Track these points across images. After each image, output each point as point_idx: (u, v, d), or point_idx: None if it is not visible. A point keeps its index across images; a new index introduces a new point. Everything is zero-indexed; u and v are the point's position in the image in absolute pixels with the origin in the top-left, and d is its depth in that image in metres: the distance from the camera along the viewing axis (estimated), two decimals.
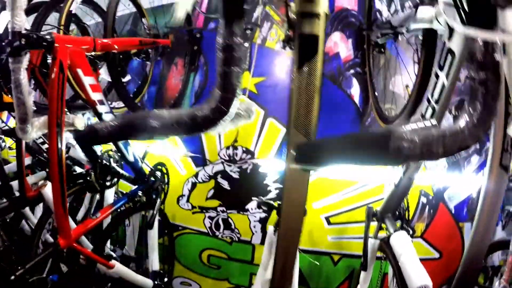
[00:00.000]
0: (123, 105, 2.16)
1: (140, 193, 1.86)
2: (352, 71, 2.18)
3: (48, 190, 1.80)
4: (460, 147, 0.76)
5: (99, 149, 1.94)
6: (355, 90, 2.18)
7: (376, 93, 1.91)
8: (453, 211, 2.24)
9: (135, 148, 1.83)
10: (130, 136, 0.96)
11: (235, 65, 0.74)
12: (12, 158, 2.76)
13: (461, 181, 2.19)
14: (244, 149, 2.22)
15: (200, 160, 2.32)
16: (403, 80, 1.93)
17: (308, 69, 0.85)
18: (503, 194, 1.20)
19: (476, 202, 1.36)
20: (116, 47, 1.67)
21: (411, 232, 1.61)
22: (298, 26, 0.85)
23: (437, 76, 1.26)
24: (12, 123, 2.33)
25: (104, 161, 1.85)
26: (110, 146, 1.87)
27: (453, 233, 2.26)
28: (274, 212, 1.62)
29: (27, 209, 2.01)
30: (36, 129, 1.61)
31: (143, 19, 2.27)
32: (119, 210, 1.77)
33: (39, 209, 2.10)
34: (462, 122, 0.74)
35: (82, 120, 1.62)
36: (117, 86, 1.88)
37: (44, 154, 2.30)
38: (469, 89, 0.77)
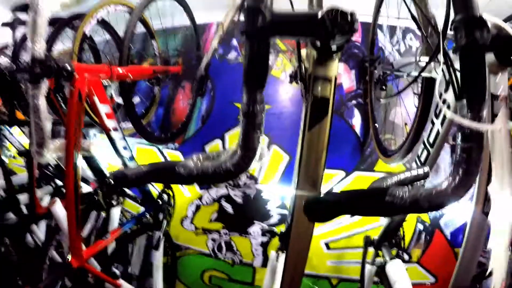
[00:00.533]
0: (130, 125, 2.24)
1: (147, 215, 1.93)
2: (354, 101, 2.26)
3: (57, 208, 1.85)
4: (443, 205, 0.87)
5: (106, 168, 2.01)
6: (357, 120, 2.26)
7: (376, 125, 1.99)
8: (449, 237, 2.30)
9: None
10: (158, 181, 1.03)
11: (256, 130, 0.82)
12: (16, 167, 2.83)
13: (457, 208, 2.27)
14: (248, 174, 2.28)
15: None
16: (402, 111, 2.02)
17: (318, 129, 0.93)
18: (485, 234, 1.29)
19: None
20: (131, 76, 1.74)
21: (406, 258, 1.70)
22: (310, 88, 0.93)
23: (433, 123, 1.35)
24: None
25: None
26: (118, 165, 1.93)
27: (449, 258, 2.32)
28: (276, 238, 1.69)
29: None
30: (51, 152, 1.67)
31: (152, 41, 2.34)
32: (127, 231, 1.84)
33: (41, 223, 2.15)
34: (446, 183, 0.82)
35: (96, 147, 1.69)
36: (128, 108, 1.94)
37: (50, 168, 2.35)
38: (456, 152, 0.87)
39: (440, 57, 0.86)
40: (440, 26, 0.93)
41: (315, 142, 0.94)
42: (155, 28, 2.34)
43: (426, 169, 1.21)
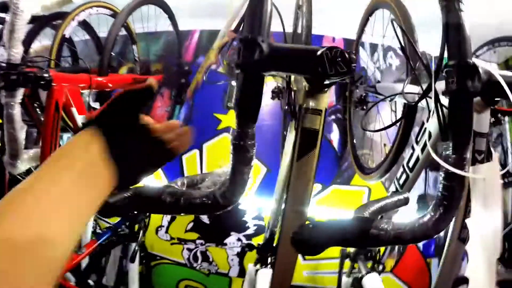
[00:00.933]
0: None
1: (123, 225, 1.89)
2: (333, 116, 2.30)
3: None
4: (425, 238, 0.93)
5: None
6: (335, 135, 2.30)
7: (354, 141, 2.03)
8: (421, 248, 2.40)
9: None
10: (142, 211, 1.00)
11: (246, 164, 0.81)
12: None
13: None
14: None
15: None
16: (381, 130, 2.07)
17: (306, 160, 0.94)
18: (460, 260, 1.36)
19: (443, 239, 1.52)
20: (110, 85, 1.70)
21: (381, 269, 1.76)
22: (300, 119, 0.94)
23: (413, 148, 1.39)
24: None
25: None
26: None
27: (421, 268, 2.41)
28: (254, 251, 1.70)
29: None
30: (25, 163, 1.61)
31: (133, 46, 2.29)
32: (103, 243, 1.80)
33: None
34: (428, 217, 0.88)
35: None
36: None
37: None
38: (438, 188, 0.92)
39: (431, 97, 0.88)
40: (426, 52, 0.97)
41: (303, 173, 0.95)
42: (137, 31, 2.29)
43: (406, 195, 1.25)
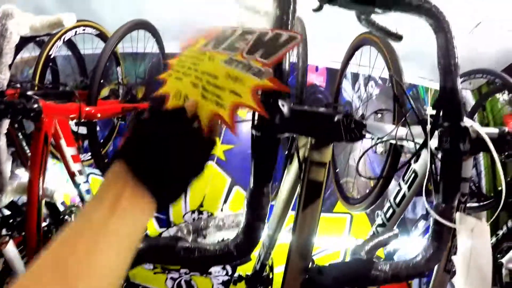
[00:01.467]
0: (89, 157, 2.13)
1: None
2: None
3: (9, 249, 1.71)
4: (419, 275, 1.04)
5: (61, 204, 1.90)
6: None
7: (337, 170, 2.09)
8: None
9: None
10: (156, 262, 0.98)
11: (261, 220, 0.84)
12: None
13: (409, 244, 2.45)
14: (209, 214, 2.21)
15: (164, 222, 2.29)
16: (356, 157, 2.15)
17: (311, 210, 0.98)
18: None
19: None
20: (99, 115, 1.67)
21: None
22: (306, 171, 0.98)
23: (400, 186, 1.47)
24: None
25: (66, 217, 1.83)
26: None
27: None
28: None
29: None
30: (9, 195, 1.56)
31: (118, 68, 2.26)
32: None
33: None
34: (420, 256, 0.99)
35: (61, 195, 1.59)
36: (92, 140, 1.84)
37: None
38: (429, 232, 1.02)
39: (427, 153, 0.95)
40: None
41: (307, 222, 0.99)
42: (120, 51, 2.26)
43: (396, 231, 1.34)
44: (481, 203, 2.13)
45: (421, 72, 2.53)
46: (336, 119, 0.81)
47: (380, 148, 1.74)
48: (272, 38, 0.61)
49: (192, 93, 0.60)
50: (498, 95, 2.56)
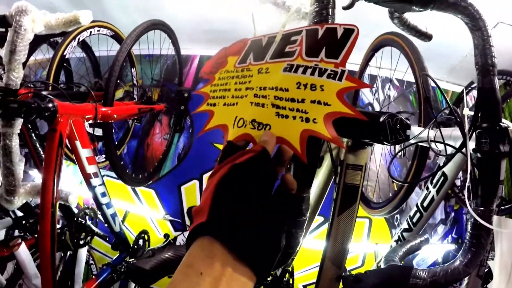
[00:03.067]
0: (103, 159, 2.10)
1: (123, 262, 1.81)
2: None
3: (22, 251, 1.68)
4: (457, 281, 1.01)
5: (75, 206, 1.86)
6: None
7: None
8: None
9: (115, 203, 1.77)
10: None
11: (300, 228, 0.80)
12: None
13: (428, 249, 2.40)
14: None
15: (180, 225, 2.26)
16: (376, 158, 2.11)
17: (347, 215, 0.94)
18: None
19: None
20: (115, 116, 1.63)
21: None
22: (343, 175, 0.93)
23: (428, 189, 1.42)
24: None
25: (80, 219, 1.78)
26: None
27: None
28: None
29: None
30: (22, 198, 1.50)
31: (132, 69, 2.23)
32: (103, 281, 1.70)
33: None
34: (458, 262, 0.96)
35: (76, 198, 1.55)
36: (108, 142, 1.79)
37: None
38: (466, 236, 0.97)
39: (468, 163, 0.91)
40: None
41: (343, 228, 0.95)
42: (136, 53, 2.22)
43: (427, 236, 1.30)
44: (501, 207, 2.08)
45: (439, 74, 2.48)
46: (382, 119, 0.77)
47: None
48: (327, 35, 0.56)
49: (262, 115, 0.53)
50: None
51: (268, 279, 1.65)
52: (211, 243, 0.42)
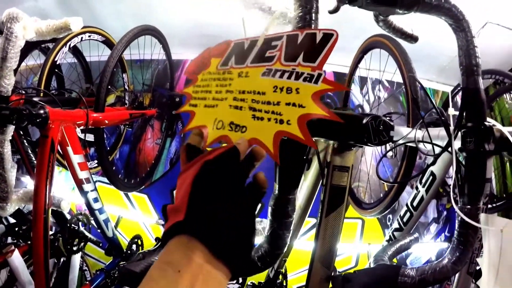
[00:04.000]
0: (95, 165, 2.10)
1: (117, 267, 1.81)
2: None
3: (15, 258, 1.67)
4: (445, 279, 1.02)
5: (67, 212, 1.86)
6: None
7: None
8: None
9: (108, 208, 1.77)
10: None
11: (286, 229, 0.80)
12: None
13: (421, 247, 2.42)
14: None
15: None
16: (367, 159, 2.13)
17: (334, 215, 0.95)
18: None
19: None
20: (107, 122, 1.64)
21: None
22: (329, 177, 0.95)
23: (417, 189, 1.44)
24: None
25: (73, 225, 1.79)
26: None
27: None
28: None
29: None
30: (14, 204, 1.51)
31: (123, 74, 2.23)
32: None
33: None
34: (446, 260, 0.97)
35: (68, 204, 1.55)
36: (100, 147, 1.79)
37: None
38: (455, 233, 0.99)
39: (454, 162, 0.92)
40: None
41: (331, 229, 0.96)
42: (126, 58, 2.23)
43: (416, 235, 1.32)
44: (493, 205, 2.10)
45: (428, 75, 2.51)
46: (364, 121, 0.78)
47: (389, 152, 1.72)
48: (306, 40, 0.58)
49: (239, 117, 0.55)
50: (505, 96, 2.53)
51: (261, 281, 1.66)
52: (190, 241, 0.43)
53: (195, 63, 0.74)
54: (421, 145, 1.35)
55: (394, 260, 2.33)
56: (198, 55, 0.74)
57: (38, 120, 1.37)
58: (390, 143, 1.44)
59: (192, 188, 0.46)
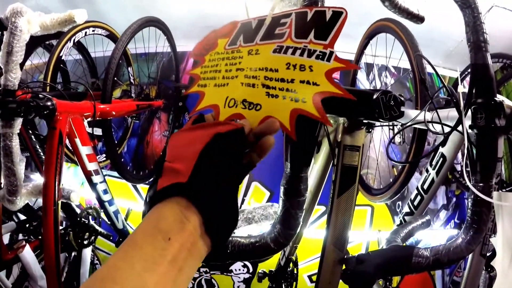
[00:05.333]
0: (104, 158, 2.11)
1: None
2: None
3: (26, 253, 1.68)
4: (460, 259, 1.01)
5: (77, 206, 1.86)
6: None
7: None
8: None
9: (117, 202, 1.77)
10: None
11: (299, 208, 0.80)
12: None
13: (431, 234, 2.41)
14: None
15: None
16: (376, 147, 2.12)
17: (346, 196, 0.94)
18: (481, 271, 1.43)
19: None
20: (114, 113, 1.64)
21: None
22: (340, 156, 0.94)
23: (427, 171, 1.43)
24: None
25: (83, 219, 1.79)
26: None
27: (425, 280, 2.47)
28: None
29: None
30: (24, 198, 1.51)
31: (129, 68, 2.23)
32: None
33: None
34: (460, 240, 0.98)
35: (78, 195, 1.56)
36: (108, 139, 1.78)
37: None
38: (467, 213, 0.98)
39: (465, 138, 0.91)
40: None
41: (343, 209, 0.95)
42: (132, 52, 2.22)
43: (428, 217, 1.31)
44: (502, 190, 2.08)
45: (435, 60, 2.48)
46: (375, 96, 0.77)
47: (397, 138, 1.70)
48: (316, 17, 0.57)
49: (252, 95, 0.54)
50: None
51: (272, 269, 1.65)
52: (188, 207, 0.42)
53: (201, 44, 0.73)
54: (430, 126, 1.34)
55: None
56: (203, 38, 0.74)
57: (45, 112, 1.38)
58: (400, 126, 1.44)
59: (200, 155, 0.45)
